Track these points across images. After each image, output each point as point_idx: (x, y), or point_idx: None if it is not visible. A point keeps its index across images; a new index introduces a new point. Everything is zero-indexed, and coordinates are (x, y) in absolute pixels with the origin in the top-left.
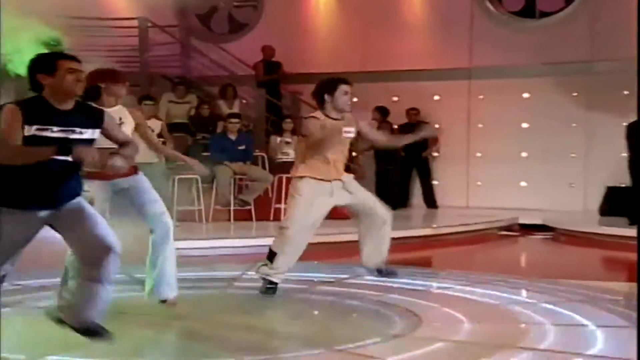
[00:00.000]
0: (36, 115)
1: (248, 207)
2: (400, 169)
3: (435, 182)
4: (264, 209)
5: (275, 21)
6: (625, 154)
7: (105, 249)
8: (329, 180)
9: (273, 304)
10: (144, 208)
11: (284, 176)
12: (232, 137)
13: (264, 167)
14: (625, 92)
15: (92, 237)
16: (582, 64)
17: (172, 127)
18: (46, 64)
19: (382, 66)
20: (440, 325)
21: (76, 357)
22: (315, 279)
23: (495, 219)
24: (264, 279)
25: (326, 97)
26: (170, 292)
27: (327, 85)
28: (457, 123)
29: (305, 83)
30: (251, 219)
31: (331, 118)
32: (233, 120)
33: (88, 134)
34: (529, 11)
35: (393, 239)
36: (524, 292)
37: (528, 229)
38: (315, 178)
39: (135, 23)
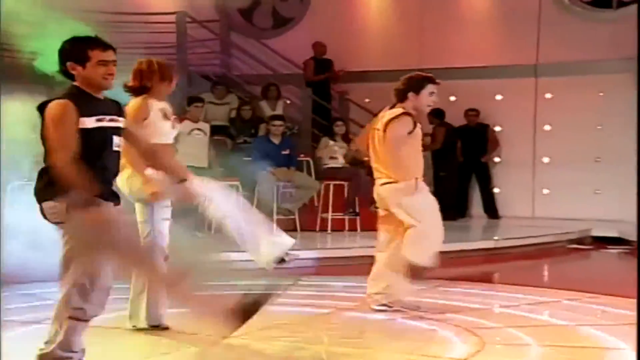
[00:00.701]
0: (87, 107)
1: (292, 217)
2: (457, 175)
3: (496, 190)
4: (310, 219)
5: (322, 15)
6: None
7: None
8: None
9: (321, 321)
10: None
11: (332, 183)
12: (276, 140)
13: (309, 174)
14: None
15: None
16: None
17: (211, 130)
18: (77, 52)
19: (439, 63)
20: (504, 348)
21: None
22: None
23: (565, 230)
24: None
25: (410, 95)
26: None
27: (414, 82)
28: (522, 125)
29: (354, 82)
30: (295, 230)
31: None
32: (276, 122)
33: (121, 122)
34: (605, 0)
35: (449, 252)
36: (598, 313)
37: (602, 242)
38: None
39: (173, 18)
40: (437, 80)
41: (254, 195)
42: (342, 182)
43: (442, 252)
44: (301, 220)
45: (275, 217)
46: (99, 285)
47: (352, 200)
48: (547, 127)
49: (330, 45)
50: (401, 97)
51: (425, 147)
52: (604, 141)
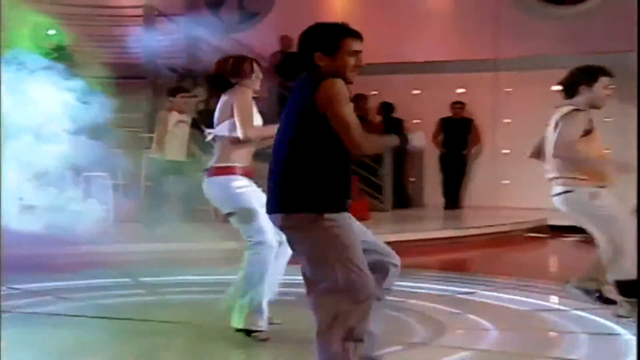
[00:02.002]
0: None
1: None
2: (441, 167)
3: (505, 182)
4: None
5: (288, 10)
6: None
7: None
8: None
9: (287, 309)
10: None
11: None
12: None
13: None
14: None
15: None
16: (616, 54)
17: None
18: (326, 42)
19: (401, 57)
20: (465, 333)
21: None
22: None
23: (523, 220)
24: None
25: (582, 89)
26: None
27: (585, 74)
28: (482, 118)
29: None
30: None
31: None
32: None
33: None
34: None
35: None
36: (554, 298)
37: (558, 230)
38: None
39: (140, 12)
40: (613, 73)
41: None
42: None
43: (404, 241)
44: None
45: None
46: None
47: None
48: (506, 120)
49: (296, 39)
50: (571, 91)
51: None
52: None
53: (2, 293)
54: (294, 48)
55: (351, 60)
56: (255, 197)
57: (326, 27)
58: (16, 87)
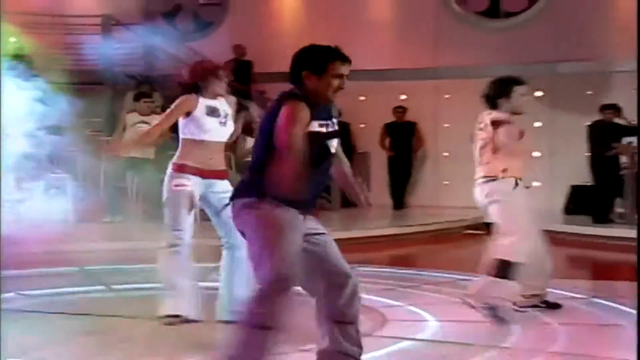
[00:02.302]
0: (313, 110)
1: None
2: (389, 169)
3: (446, 182)
4: None
5: (241, 19)
6: (587, 153)
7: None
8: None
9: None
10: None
11: None
12: None
13: (230, 167)
14: (588, 93)
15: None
16: (546, 64)
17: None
18: (317, 62)
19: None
20: (405, 324)
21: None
22: None
23: (460, 217)
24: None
25: (501, 100)
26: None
27: (501, 86)
28: (424, 122)
29: (272, 82)
30: None
31: None
32: None
33: (336, 124)
34: (493, 11)
35: (356, 238)
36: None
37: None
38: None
39: (98, 21)
40: (525, 81)
41: None
42: None
43: (351, 239)
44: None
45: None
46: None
47: None
48: (446, 125)
49: (248, 48)
50: (492, 103)
51: None
52: None
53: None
54: (247, 56)
55: (335, 82)
56: (188, 196)
57: (319, 49)
58: None
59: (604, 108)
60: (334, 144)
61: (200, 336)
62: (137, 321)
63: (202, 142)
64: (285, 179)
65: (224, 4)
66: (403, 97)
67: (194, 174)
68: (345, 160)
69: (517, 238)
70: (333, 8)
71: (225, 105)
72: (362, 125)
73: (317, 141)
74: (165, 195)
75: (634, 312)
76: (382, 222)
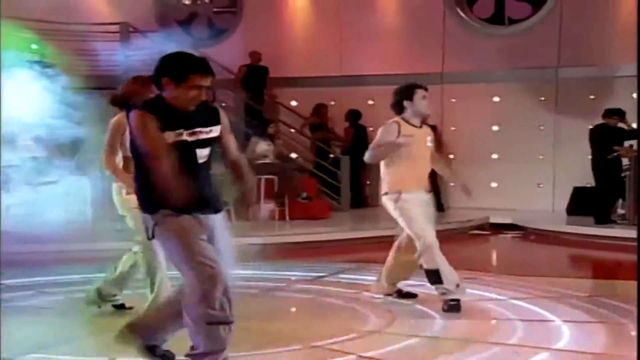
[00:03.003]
0: (168, 120)
1: (228, 208)
2: None
3: (452, 184)
4: (243, 210)
5: (254, 26)
6: (590, 156)
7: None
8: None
9: (251, 302)
10: None
11: (263, 177)
12: None
13: None
14: (591, 97)
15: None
16: (549, 70)
17: None
18: (177, 71)
19: (357, 70)
20: (413, 322)
21: (58, 355)
22: (293, 277)
23: (467, 218)
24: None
25: (405, 103)
26: None
27: (404, 91)
28: None
29: (284, 87)
30: (231, 219)
31: (413, 125)
32: None
33: (214, 131)
34: (498, 18)
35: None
36: (493, 289)
37: (498, 228)
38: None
39: (117, 28)
40: (425, 86)
41: None
42: (272, 177)
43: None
44: (235, 212)
45: None
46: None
47: (281, 192)
48: (452, 128)
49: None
50: (398, 107)
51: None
52: (499, 140)
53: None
54: (262, 62)
55: (192, 93)
56: None
57: (182, 58)
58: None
59: (608, 112)
60: (203, 153)
61: None
62: None
63: None
64: (154, 188)
65: (238, 11)
66: None
67: None
68: (243, 164)
69: None
70: (343, 14)
71: None
72: (371, 129)
73: (179, 149)
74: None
75: (634, 310)
76: (390, 223)
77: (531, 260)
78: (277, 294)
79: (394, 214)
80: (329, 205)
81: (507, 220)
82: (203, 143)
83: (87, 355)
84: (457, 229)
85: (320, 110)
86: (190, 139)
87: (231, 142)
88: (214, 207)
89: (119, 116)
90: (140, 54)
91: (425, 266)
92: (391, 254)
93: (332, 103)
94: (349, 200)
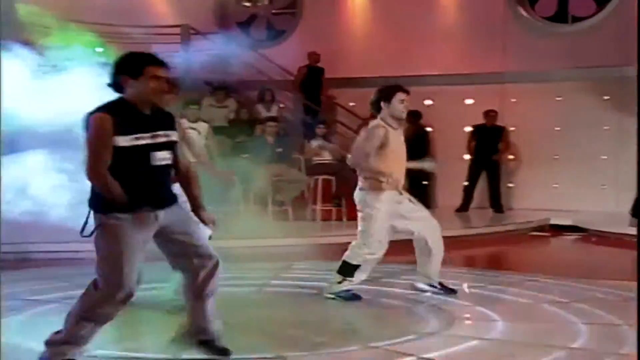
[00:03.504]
0: (128, 124)
1: (285, 208)
2: (468, 172)
3: (511, 185)
4: (301, 209)
5: (312, 27)
6: None
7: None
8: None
9: (309, 302)
10: None
11: (320, 178)
12: (270, 140)
13: (299, 169)
14: None
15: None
16: (613, 68)
17: (212, 131)
18: (132, 66)
19: (415, 70)
20: (473, 324)
21: (118, 351)
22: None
23: (527, 220)
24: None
25: (382, 104)
26: None
27: (383, 92)
28: None
29: (342, 87)
30: (288, 219)
31: (390, 127)
32: (271, 123)
33: (174, 136)
34: (561, 16)
35: None
36: (556, 292)
37: (559, 229)
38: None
39: (178, 31)
40: (406, 89)
41: (251, 189)
42: (330, 177)
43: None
44: (293, 211)
45: (270, 208)
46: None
47: (338, 192)
48: (512, 128)
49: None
50: (376, 108)
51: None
52: (562, 140)
53: None
54: (320, 63)
55: (152, 84)
56: None
57: (134, 54)
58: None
59: None
60: (161, 156)
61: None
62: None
63: None
64: (102, 189)
65: (297, 13)
66: (469, 101)
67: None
68: (192, 172)
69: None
70: (402, 14)
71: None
72: (429, 129)
73: (137, 152)
74: None
75: None
76: (447, 224)
77: (593, 263)
78: None
79: (360, 208)
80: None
81: (568, 222)
82: (161, 146)
83: (153, 353)
84: (517, 230)
85: None
86: (149, 142)
87: (182, 150)
88: (166, 203)
89: None
90: (201, 55)
91: (347, 259)
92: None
93: None
94: None
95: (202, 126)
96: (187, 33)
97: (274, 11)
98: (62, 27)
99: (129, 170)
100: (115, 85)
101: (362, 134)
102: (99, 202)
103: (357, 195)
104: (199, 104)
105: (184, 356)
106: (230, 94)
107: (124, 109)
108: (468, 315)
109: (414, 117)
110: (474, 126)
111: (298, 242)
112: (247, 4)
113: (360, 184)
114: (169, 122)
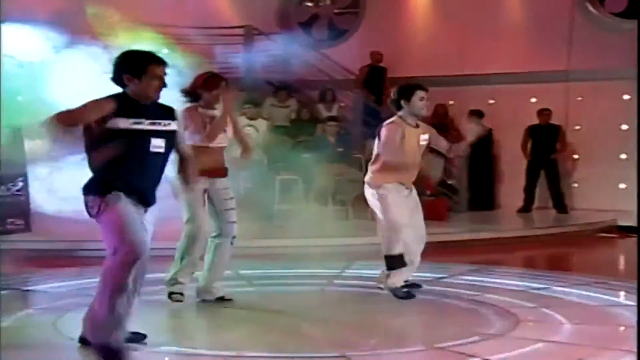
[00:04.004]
0: (129, 110)
1: (345, 207)
2: (526, 172)
3: (575, 185)
4: (362, 209)
5: (374, 27)
6: None
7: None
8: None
9: (372, 302)
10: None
11: None
12: (331, 139)
13: (360, 169)
14: None
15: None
16: None
17: (271, 129)
18: (135, 66)
19: (478, 69)
20: (538, 326)
21: (183, 348)
22: (415, 278)
23: (593, 221)
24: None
25: (402, 102)
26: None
27: (403, 91)
28: None
29: None
30: (348, 218)
31: (408, 124)
32: (332, 123)
33: (173, 125)
34: (631, 12)
35: (488, 239)
36: (623, 294)
37: (626, 231)
38: (394, 182)
39: (241, 31)
40: (425, 87)
41: (311, 188)
42: None
43: (480, 240)
44: (353, 210)
45: (330, 207)
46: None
47: None
48: (577, 127)
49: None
50: (396, 105)
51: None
52: (628, 140)
53: None
54: (383, 62)
55: (155, 83)
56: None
57: (137, 53)
58: None
59: None
60: (158, 143)
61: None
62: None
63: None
64: (105, 170)
65: (359, 12)
66: (533, 100)
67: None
68: (190, 158)
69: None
70: (465, 12)
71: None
72: (490, 128)
73: (130, 136)
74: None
75: None
76: (510, 225)
77: None
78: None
79: (373, 202)
80: (448, 205)
81: (635, 223)
82: (159, 134)
83: (218, 349)
84: (582, 231)
85: (439, 110)
86: (148, 127)
87: (183, 138)
88: (148, 201)
89: (187, 106)
90: (264, 55)
91: (386, 253)
92: None
93: (451, 103)
94: (467, 201)
95: (261, 123)
96: (250, 34)
97: (335, 11)
98: (129, 29)
99: (127, 153)
100: (118, 81)
101: (384, 132)
102: (98, 185)
103: (366, 192)
104: (260, 103)
105: (245, 353)
106: (292, 93)
107: (126, 99)
108: (533, 317)
109: (476, 117)
110: (529, 126)
111: (358, 241)
112: (309, 4)
113: (367, 179)
114: (168, 113)
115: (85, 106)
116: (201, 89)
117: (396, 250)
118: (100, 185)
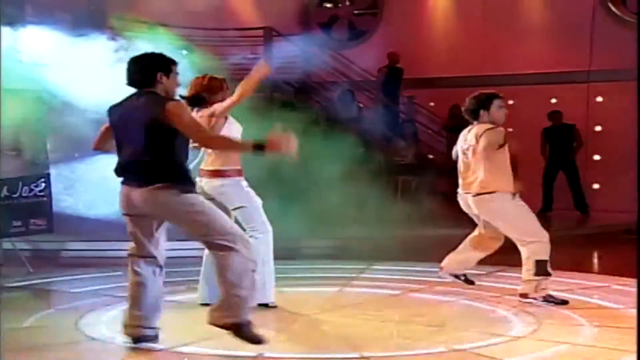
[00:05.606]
0: None
1: None
2: (544, 173)
3: (596, 186)
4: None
5: (394, 28)
6: None
7: None
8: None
9: (392, 302)
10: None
11: (400, 178)
12: (350, 140)
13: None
14: None
15: None
16: None
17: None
18: (165, 64)
19: (498, 70)
20: (559, 328)
21: (207, 348)
22: (433, 279)
23: (614, 222)
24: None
25: (482, 112)
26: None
27: (482, 100)
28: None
29: (421, 87)
30: None
31: None
32: (351, 124)
33: None
34: None
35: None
36: None
37: None
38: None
39: (261, 33)
40: (501, 95)
41: None
42: (411, 177)
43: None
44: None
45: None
46: None
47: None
48: (598, 128)
49: (400, 55)
50: (474, 115)
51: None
52: None
53: None
54: (401, 63)
55: (178, 80)
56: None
57: (161, 55)
58: None
59: None
60: None
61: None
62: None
63: None
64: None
65: (378, 13)
66: (553, 101)
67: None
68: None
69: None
70: (485, 13)
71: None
72: (510, 130)
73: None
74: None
75: None
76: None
77: None
78: (417, 296)
79: (491, 214)
80: None
81: None
82: None
83: (237, 350)
84: (604, 232)
85: (455, 111)
86: None
87: None
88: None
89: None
90: (283, 57)
91: (535, 258)
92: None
93: None
94: None
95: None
96: (270, 35)
97: (355, 12)
98: (150, 29)
99: (179, 149)
100: (146, 80)
101: (484, 140)
102: (179, 175)
103: (479, 203)
104: (293, 105)
105: (267, 353)
106: (311, 94)
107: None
108: (553, 319)
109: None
110: (543, 129)
111: (378, 241)
112: (329, 5)
113: (479, 189)
114: None
115: (198, 124)
116: (206, 92)
117: (545, 256)
118: (180, 174)
